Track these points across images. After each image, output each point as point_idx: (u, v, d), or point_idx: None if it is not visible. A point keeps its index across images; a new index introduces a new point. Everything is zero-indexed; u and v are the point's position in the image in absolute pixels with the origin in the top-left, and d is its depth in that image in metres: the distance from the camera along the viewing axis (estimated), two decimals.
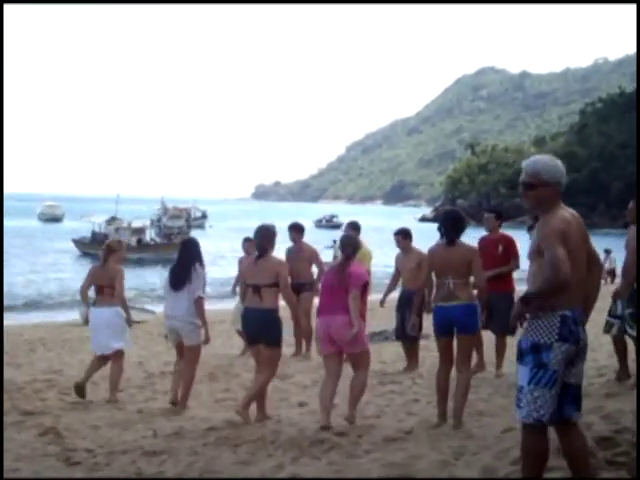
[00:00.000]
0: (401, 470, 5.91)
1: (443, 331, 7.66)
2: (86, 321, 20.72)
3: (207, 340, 9.24)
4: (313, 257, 12.87)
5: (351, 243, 8.19)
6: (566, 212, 4.87)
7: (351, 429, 7.56)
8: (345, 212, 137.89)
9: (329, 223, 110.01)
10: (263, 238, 8.42)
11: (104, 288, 9.84)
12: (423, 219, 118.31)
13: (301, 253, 12.67)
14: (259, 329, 8.26)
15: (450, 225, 7.71)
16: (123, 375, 10.41)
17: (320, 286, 8.69)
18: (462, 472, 5.76)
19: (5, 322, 11.34)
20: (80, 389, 9.63)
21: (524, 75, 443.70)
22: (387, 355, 12.89)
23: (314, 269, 12.92)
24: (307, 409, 8.87)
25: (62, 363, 12.76)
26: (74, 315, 22.80)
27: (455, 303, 7.52)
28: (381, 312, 15.32)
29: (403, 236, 11.30)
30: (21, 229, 76.70)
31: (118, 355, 9.94)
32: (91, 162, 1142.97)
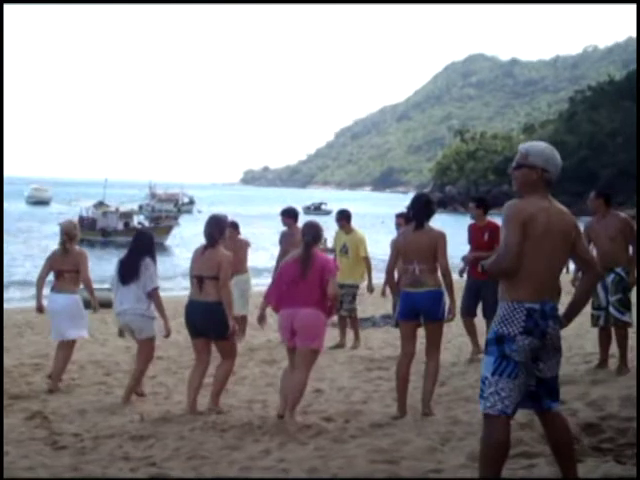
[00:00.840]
0: (387, 456, 5.93)
1: (408, 317, 7.57)
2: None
3: (168, 333, 8.91)
4: None
5: (311, 230, 7.89)
6: (544, 202, 4.78)
7: (337, 415, 7.58)
8: (334, 198, 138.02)
9: (318, 210, 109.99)
10: (212, 228, 8.12)
11: (64, 273, 9.61)
12: None
13: (293, 237, 12.66)
14: (204, 323, 8.00)
15: (419, 208, 7.61)
16: (111, 360, 10.39)
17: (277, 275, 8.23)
18: (448, 457, 5.79)
19: None
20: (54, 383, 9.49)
21: (514, 62, 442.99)
22: (374, 342, 12.92)
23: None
24: None
25: (49, 347, 12.70)
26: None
27: (422, 289, 7.45)
28: (368, 298, 15.38)
29: (406, 219, 11.29)
30: (9, 213, 76.41)
31: (69, 344, 9.74)
32: (79, 146, 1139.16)
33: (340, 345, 12.32)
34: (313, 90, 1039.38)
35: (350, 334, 12.47)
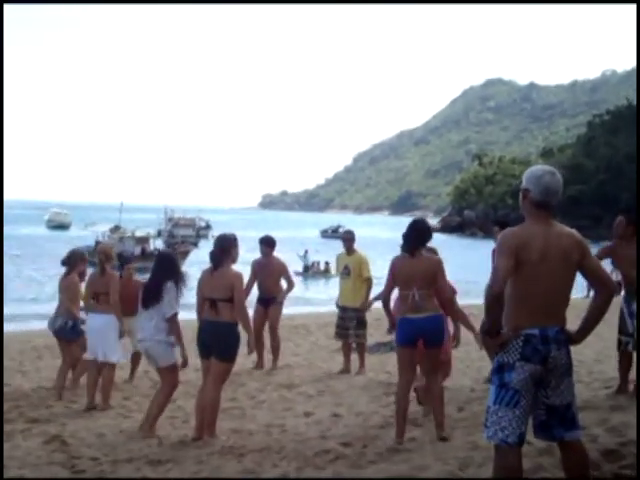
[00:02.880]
0: None
1: (408, 343, 7.45)
2: None
3: (185, 362, 8.55)
4: (283, 271, 12.84)
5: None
6: (538, 226, 4.74)
7: (356, 439, 7.55)
8: (352, 222, 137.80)
9: (335, 233, 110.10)
10: (220, 249, 8.08)
11: (100, 295, 9.82)
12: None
13: (270, 267, 12.63)
14: (212, 341, 7.94)
15: (414, 236, 7.55)
16: (130, 383, 10.41)
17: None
18: None
19: (12, 329, 11.35)
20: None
21: (532, 87, 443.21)
22: (392, 366, 12.85)
23: (283, 283, 12.94)
24: (312, 419, 8.87)
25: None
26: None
27: (423, 315, 7.40)
28: (386, 322, 15.34)
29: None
30: (29, 237, 76.86)
31: (111, 366, 9.88)
32: (97, 170, 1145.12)
33: (345, 371, 12.28)
34: (331, 115, 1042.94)
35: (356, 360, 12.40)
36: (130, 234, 57.34)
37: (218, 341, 7.92)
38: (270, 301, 12.54)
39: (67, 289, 10.40)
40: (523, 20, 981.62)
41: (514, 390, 4.62)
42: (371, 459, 6.78)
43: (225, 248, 8.07)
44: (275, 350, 12.79)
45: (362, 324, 12.32)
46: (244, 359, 12.43)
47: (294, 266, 44.99)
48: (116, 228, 60.13)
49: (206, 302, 8.03)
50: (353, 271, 12.22)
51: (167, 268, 8.53)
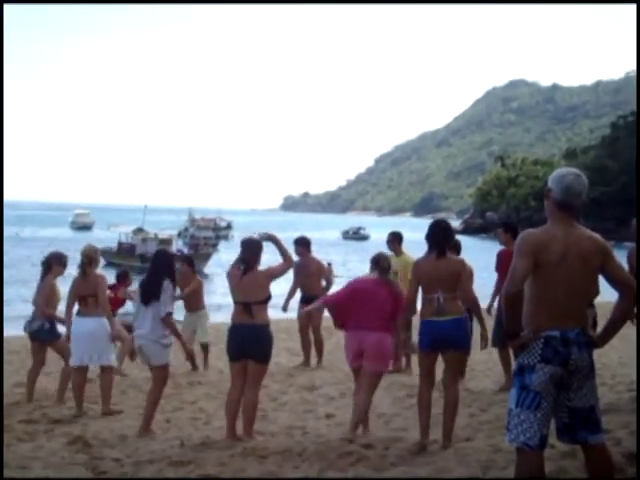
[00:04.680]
0: None
1: (432, 347, 7.31)
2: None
3: (189, 353, 8.75)
4: (322, 270, 12.91)
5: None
6: (559, 229, 4.72)
7: (378, 441, 7.53)
8: (374, 224, 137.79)
9: (356, 235, 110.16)
10: (249, 252, 8.05)
11: (87, 298, 9.57)
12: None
13: (309, 267, 12.67)
14: (249, 345, 7.90)
15: (441, 236, 7.43)
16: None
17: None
18: None
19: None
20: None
21: (555, 88, 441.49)
22: (415, 368, 12.82)
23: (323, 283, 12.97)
24: (334, 421, 8.85)
25: (91, 372, 12.79)
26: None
27: (448, 317, 7.24)
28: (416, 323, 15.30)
29: (452, 246, 11.18)
30: (54, 238, 77.40)
31: (107, 369, 9.74)
32: (122, 172, 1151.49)
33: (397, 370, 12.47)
34: (353, 116, 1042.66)
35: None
36: (153, 236, 57.61)
37: (255, 344, 7.91)
38: (312, 301, 12.55)
39: (43, 291, 10.21)
40: (546, 21, 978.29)
41: (535, 392, 4.60)
42: (393, 461, 6.77)
43: (255, 252, 8.06)
44: (319, 348, 12.96)
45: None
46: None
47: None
48: (139, 230, 60.45)
49: (238, 306, 7.99)
50: (400, 273, 12.01)
51: (165, 266, 8.58)
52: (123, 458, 7.40)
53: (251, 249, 8.07)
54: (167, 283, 8.41)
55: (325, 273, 12.96)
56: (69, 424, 8.93)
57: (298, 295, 13.00)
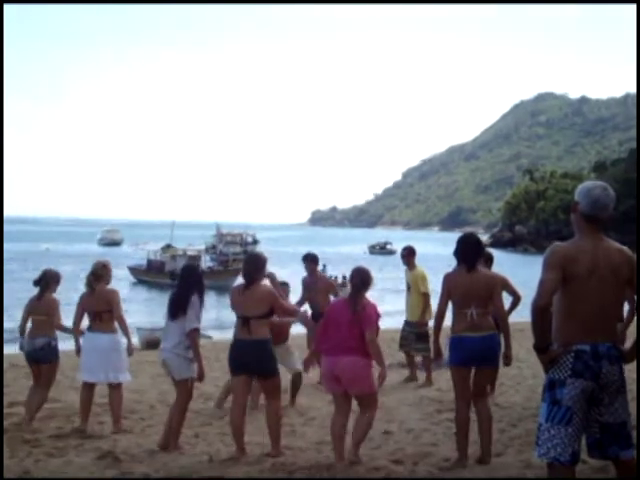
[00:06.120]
0: None
1: (465, 363, 7.23)
2: (146, 345, 21.00)
3: (201, 376, 8.52)
4: (330, 287, 12.90)
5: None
6: (587, 242, 4.70)
7: (407, 457, 7.49)
8: (401, 238, 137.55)
9: (383, 250, 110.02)
10: (252, 267, 7.99)
11: (102, 314, 9.45)
12: None
13: (318, 284, 12.66)
14: (251, 361, 7.83)
15: (471, 250, 7.34)
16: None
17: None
18: None
19: (66, 346, 11.43)
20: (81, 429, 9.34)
21: (583, 100, 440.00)
22: (444, 383, 12.77)
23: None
24: None
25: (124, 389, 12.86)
26: (133, 340, 23.12)
27: (482, 333, 7.15)
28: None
29: (485, 259, 11.19)
30: (83, 254, 78.02)
31: (117, 386, 9.64)
32: (149, 188, 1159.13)
33: (410, 379, 12.75)
34: (380, 130, 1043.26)
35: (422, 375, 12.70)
36: (182, 253, 57.88)
37: (255, 360, 7.85)
38: (321, 317, 12.60)
39: (52, 309, 9.87)
40: (575, 33, 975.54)
41: (566, 407, 4.56)
42: (422, 477, 6.73)
43: (259, 267, 8.01)
44: None
45: (422, 338, 12.56)
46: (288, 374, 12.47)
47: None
48: (168, 247, 60.77)
49: (238, 320, 7.95)
50: (413, 287, 12.55)
51: (193, 281, 8.53)
52: (152, 473, 7.41)
53: (254, 264, 8.03)
54: (195, 298, 8.36)
55: (333, 289, 12.94)
56: (99, 439, 8.95)
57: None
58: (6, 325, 17.37)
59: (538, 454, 4.66)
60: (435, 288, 9.51)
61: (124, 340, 9.78)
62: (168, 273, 52.56)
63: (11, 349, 13.67)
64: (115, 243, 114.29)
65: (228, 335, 13.15)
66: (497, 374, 7.77)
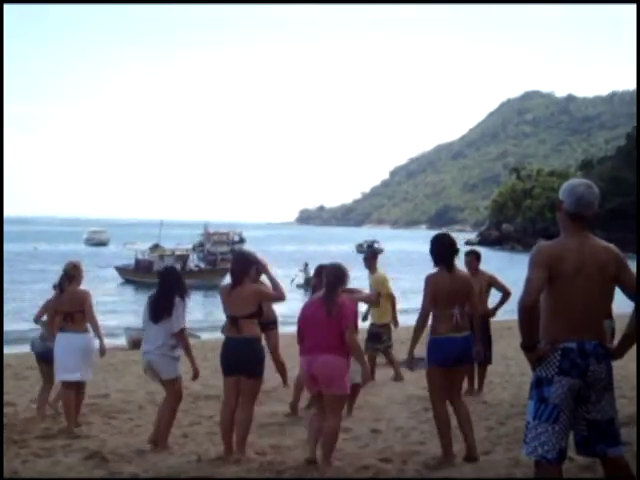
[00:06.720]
0: None
1: (448, 363, 7.24)
2: (132, 345, 20.94)
3: (196, 374, 8.57)
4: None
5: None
6: (572, 240, 4.73)
7: (395, 455, 7.50)
8: (389, 237, 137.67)
9: (370, 249, 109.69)
10: (238, 266, 7.95)
11: (74, 314, 9.43)
12: (468, 243, 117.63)
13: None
14: (238, 359, 7.79)
15: (448, 250, 7.42)
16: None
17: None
18: None
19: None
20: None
21: (570, 99, 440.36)
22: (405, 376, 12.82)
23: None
24: (351, 434, 8.81)
25: (107, 387, 12.83)
26: (120, 340, 23.16)
27: (464, 334, 7.26)
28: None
29: (476, 257, 11.23)
30: (69, 254, 77.76)
31: (83, 385, 9.65)
32: (136, 187, 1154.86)
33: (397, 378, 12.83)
34: (368, 129, 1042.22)
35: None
36: (170, 252, 57.71)
37: (243, 359, 7.80)
38: (267, 324, 12.66)
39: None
40: (561, 31, 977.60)
41: (553, 405, 4.57)
42: (411, 475, 6.74)
43: (246, 266, 7.98)
44: (279, 369, 13.01)
45: (374, 337, 12.66)
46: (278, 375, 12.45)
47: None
48: (156, 247, 60.55)
49: (228, 319, 7.92)
50: (375, 290, 12.32)
51: (175, 283, 8.55)
52: (140, 473, 7.40)
53: (241, 263, 8.01)
54: (178, 300, 8.38)
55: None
56: (86, 439, 8.92)
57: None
58: None
59: (526, 452, 4.68)
60: (412, 286, 9.54)
61: (97, 341, 9.71)
62: (156, 273, 52.17)
63: None
64: (101, 243, 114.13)
65: (216, 334, 13.14)
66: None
